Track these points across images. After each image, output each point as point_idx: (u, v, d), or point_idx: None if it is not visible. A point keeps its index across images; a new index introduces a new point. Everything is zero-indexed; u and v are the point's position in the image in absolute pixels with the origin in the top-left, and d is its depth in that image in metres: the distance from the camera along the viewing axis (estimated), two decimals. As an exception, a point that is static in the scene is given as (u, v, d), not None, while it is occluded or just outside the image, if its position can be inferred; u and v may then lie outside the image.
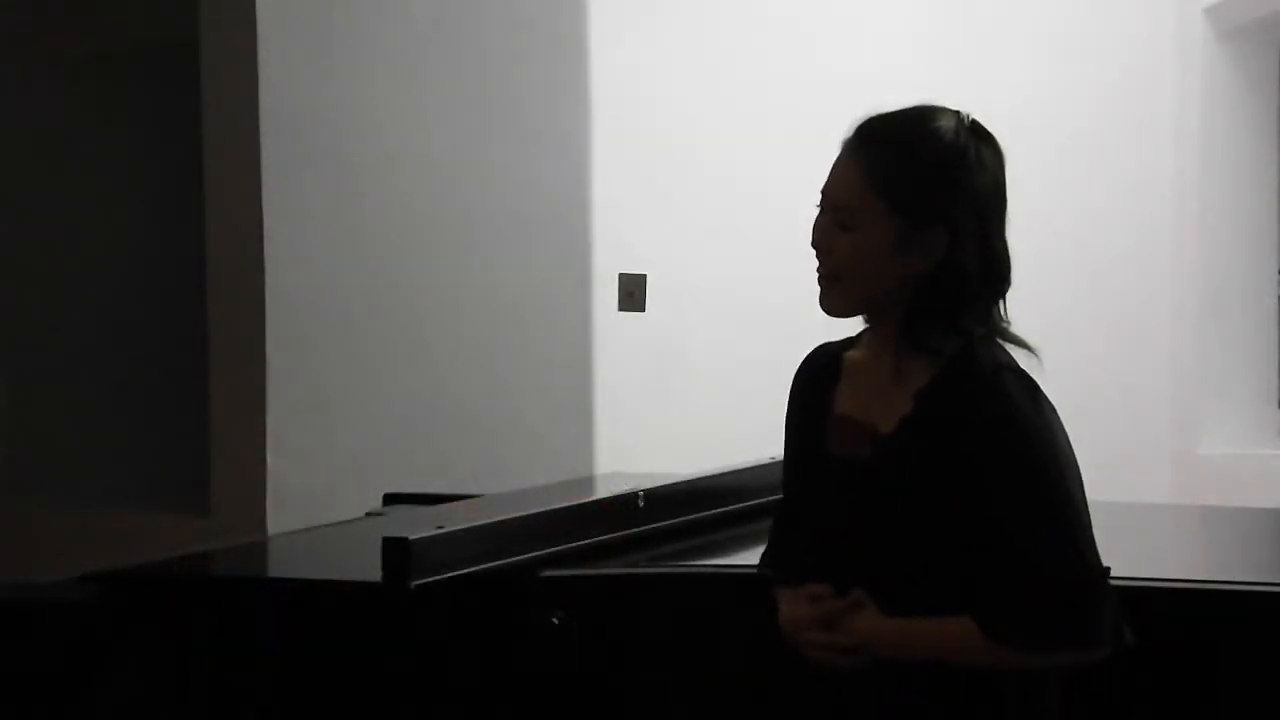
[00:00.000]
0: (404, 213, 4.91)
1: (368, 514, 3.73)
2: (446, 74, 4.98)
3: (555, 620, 2.60)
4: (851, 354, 2.21)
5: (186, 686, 2.73)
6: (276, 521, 4.56)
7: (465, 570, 2.60)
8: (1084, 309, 5.94)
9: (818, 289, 2.14)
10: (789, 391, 2.27)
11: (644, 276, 4.98)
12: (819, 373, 2.22)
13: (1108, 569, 2.05)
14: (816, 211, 2.14)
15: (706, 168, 5.53)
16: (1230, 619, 2.56)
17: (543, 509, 2.89)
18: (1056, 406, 2.14)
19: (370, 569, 2.56)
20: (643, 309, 4.77)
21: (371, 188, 4.85)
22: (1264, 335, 6.10)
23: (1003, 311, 2.12)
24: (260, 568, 3.23)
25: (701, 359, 5.55)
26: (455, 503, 3.62)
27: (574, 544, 2.79)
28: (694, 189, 5.53)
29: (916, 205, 2.06)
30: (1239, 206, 6.06)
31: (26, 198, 5.72)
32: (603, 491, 3.38)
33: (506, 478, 4.36)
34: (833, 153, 2.25)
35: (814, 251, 2.13)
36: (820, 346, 2.26)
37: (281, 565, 3.31)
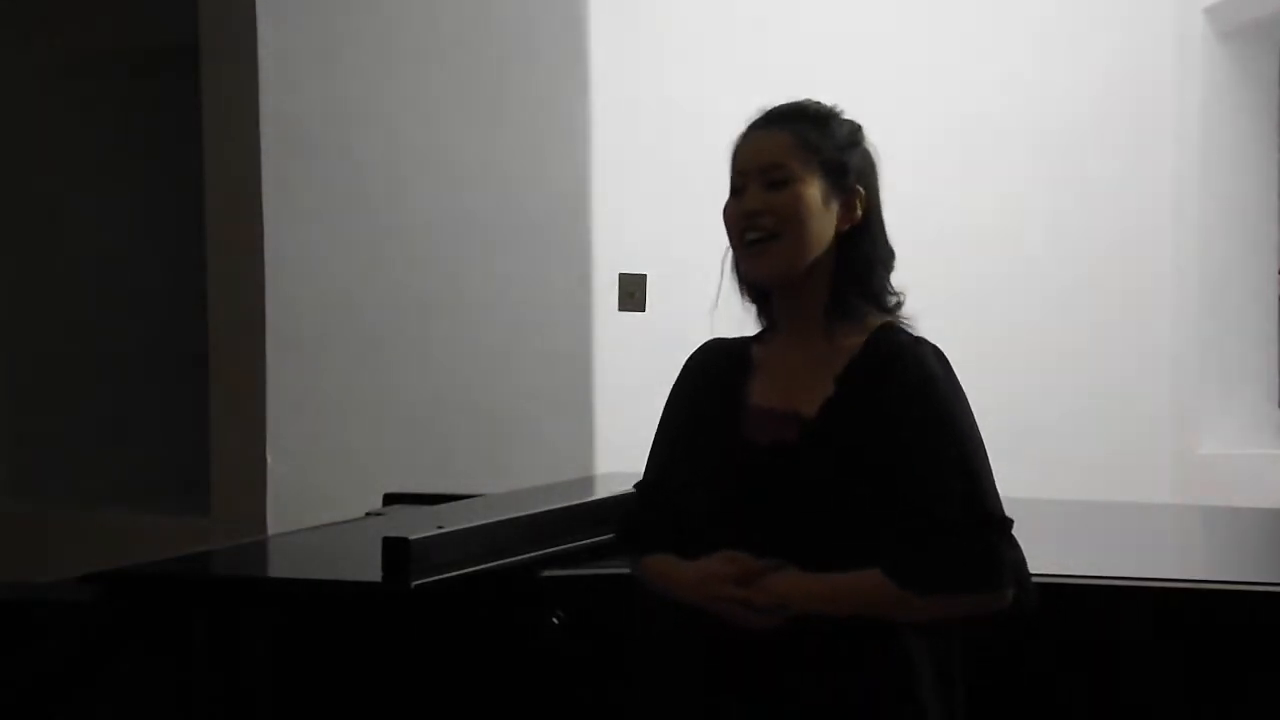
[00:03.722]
0: (404, 213, 4.91)
1: (368, 514, 3.73)
2: (446, 75, 4.98)
3: (555, 620, 2.60)
4: (761, 348, 2.30)
5: (186, 686, 2.73)
6: (276, 521, 4.56)
7: (465, 570, 2.60)
8: (1084, 308, 5.94)
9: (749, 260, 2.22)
10: (681, 378, 2.34)
11: (644, 276, 4.98)
12: (727, 364, 2.30)
13: (1010, 521, 2.12)
14: (732, 195, 2.24)
15: (706, 168, 5.52)
16: (1230, 619, 2.56)
17: (543, 509, 2.89)
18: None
19: (370, 569, 2.56)
20: (643, 309, 4.76)
21: (371, 188, 4.85)
22: (1264, 335, 6.09)
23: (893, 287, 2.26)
24: (260, 568, 3.23)
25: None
26: (455, 503, 3.62)
27: (574, 544, 2.79)
28: (694, 189, 5.53)
29: (838, 167, 2.21)
30: (1239, 206, 6.06)
31: (27, 198, 5.72)
32: (603, 491, 3.38)
33: (506, 478, 4.36)
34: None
35: (739, 227, 2.23)
36: (715, 340, 2.35)
37: (281, 565, 3.31)
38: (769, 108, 2.29)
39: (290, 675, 2.69)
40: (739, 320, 2.34)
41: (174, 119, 5.41)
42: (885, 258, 2.25)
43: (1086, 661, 2.57)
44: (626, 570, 2.39)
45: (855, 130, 2.26)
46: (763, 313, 2.32)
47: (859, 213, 2.22)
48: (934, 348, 2.19)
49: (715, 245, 6.13)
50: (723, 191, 2.30)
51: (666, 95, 5.53)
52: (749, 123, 2.29)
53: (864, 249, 2.22)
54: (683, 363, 2.39)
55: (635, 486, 2.39)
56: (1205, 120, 5.97)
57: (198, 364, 4.97)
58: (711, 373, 2.31)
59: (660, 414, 2.35)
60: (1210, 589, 2.61)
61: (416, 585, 2.52)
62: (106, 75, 5.72)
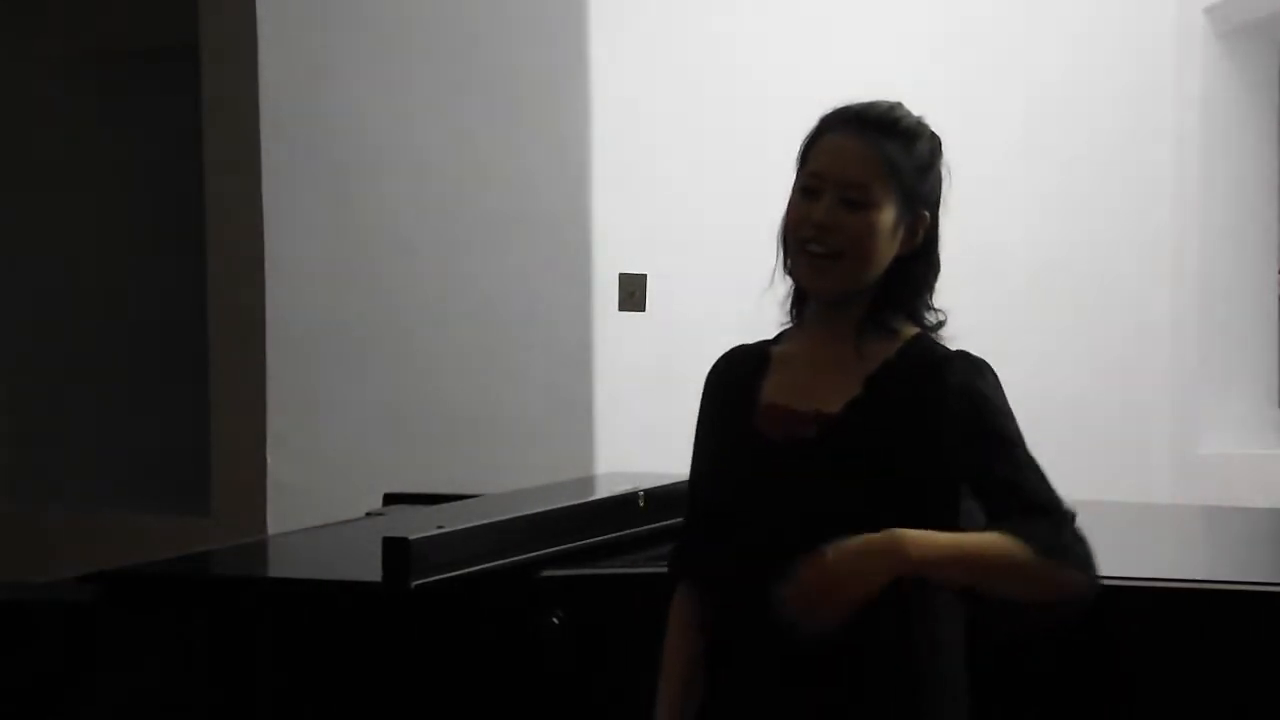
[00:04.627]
0: (404, 213, 4.91)
1: (368, 514, 3.74)
2: (446, 74, 4.98)
3: (555, 620, 2.61)
4: (780, 348, 2.27)
5: (187, 687, 2.73)
6: (276, 521, 4.56)
7: (465, 570, 2.60)
8: (1084, 309, 5.95)
9: (809, 267, 2.18)
10: (704, 392, 2.32)
11: (644, 276, 4.97)
12: (744, 368, 2.28)
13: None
14: (802, 192, 2.18)
15: (706, 168, 5.53)
16: (1230, 619, 2.56)
17: (543, 509, 2.89)
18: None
19: (370, 569, 2.56)
20: (643, 309, 4.76)
21: (371, 188, 4.85)
22: (1264, 335, 6.10)
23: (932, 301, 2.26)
24: (260, 568, 3.23)
25: (701, 359, 5.53)
26: (455, 503, 3.62)
27: (574, 544, 2.79)
28: (694, 189, 5.53)
29: (914, 191, 2.18)
30: (1239, 207, 6.06)
31: (26, 197, 5.72)
32: (603, 491, 3.38)
33: (506, 478, 4.36)
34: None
35: (803, 234, 2.17)
36: (737, 347, 2.32)
37: (281, 565, 3.31)
38: (858, 106, 2.21)
39: (290, 675, 2.69)
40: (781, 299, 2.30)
41: (174, 119, 5.41)
42: (932, 279, 2.23)
43: (1086, 662, 2.57)
44: (626, 570, 2.39)
45: (936, 149, 2.21)
46: (796, 300, 2.28)
47: (919, 238, 2.19)
48: (972, 357, 2.19)
49: (714, 245, 6.12)
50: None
51: (667, 95, 5.53)
52: (832, 116, 2.21)
53: (914, 272, 2.20)
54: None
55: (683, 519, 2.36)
56: (1205, 120, 5.97)
57: (198, 364, 4.97)
58: (728, 377, 2.29)
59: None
60: (1210, 589, 2.61)
61: (416, 585, 2.52)
62: (106, 74, 5.72)
